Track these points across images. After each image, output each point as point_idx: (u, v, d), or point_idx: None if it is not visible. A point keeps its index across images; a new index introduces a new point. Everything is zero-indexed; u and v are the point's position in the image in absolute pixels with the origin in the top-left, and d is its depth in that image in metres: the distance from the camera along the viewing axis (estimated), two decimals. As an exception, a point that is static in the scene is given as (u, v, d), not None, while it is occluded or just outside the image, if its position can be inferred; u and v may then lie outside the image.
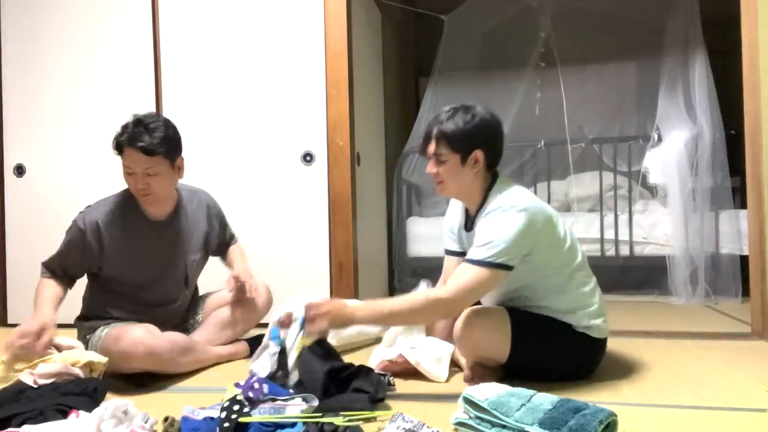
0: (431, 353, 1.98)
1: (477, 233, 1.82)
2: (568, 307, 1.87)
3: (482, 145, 1.85)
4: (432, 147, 1.87)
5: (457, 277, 1.75)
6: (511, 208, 1.78)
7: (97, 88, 3.13)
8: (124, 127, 2.01)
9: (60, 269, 2.07)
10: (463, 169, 1.86)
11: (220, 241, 2.39)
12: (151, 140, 1.97)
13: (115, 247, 2.07)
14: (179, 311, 2.28)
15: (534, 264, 1.82)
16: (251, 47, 3.03)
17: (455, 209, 2.09)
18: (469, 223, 1.97)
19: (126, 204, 2.11)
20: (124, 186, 2.12)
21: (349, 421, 1.41)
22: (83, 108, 3.14)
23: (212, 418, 1.43)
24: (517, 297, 1.91)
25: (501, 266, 1.74)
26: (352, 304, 1.80)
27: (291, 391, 1.62)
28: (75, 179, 3.13)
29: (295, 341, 1.78)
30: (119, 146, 2.00)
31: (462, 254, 1.95)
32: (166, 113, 3.08)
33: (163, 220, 2.15)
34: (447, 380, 1.94)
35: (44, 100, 3.18)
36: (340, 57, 2.95)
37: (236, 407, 1.42)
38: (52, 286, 2.02)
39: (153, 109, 3.05)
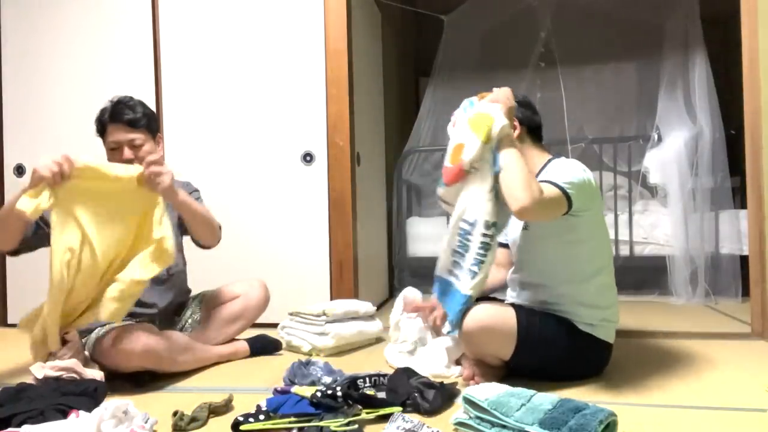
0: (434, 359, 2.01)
1: (547, 175, 1.85)
2: (587, 300, 1.87)
3: (516, 115, 1.91)
4: None
5: (537, 187, 1.70)
6: (574, 162, 1.90)
7: (97, 88, 3.13)
8: (103, 110, 2.11)
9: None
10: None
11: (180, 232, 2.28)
12: (134, 114, 2.09)
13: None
14: (170, 313, 2.26)
15: (578, 231, 1.85)
16: (251, 47, 3.03)
17: None
18: None
19: None
20: None
21: (347, 424, 1.41)
22: (83, 108, 3.13)
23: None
24: (538, 276, 1.93)
25: (567, 196, 1.75)
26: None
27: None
28: (75, 179, 3.12)
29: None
30: (102, 126, 2.10)
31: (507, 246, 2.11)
32: (166, 113, 3.09)
33: None
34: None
35: (44, 100, 3.18)
36: (340, 57, 2.95)
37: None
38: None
39: (153, 109, 3.04)
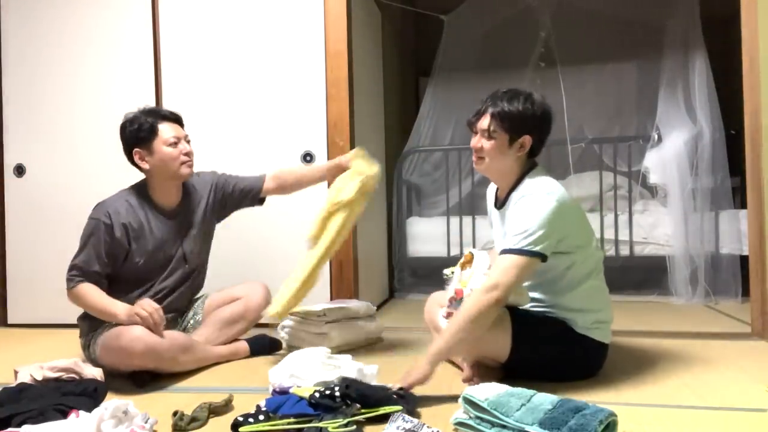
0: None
1: (510, 220, 1.86)
2: (578, 306, 1.87)
3: (532, 132, 1.89)
4: (485, 122, 1.89)
5: (499, 271, 1.75)
6: (541, 193, 1.81)
7: (98, 88, 3.13)
8: (138, 119, 2.16)
9: (93, 274, 2.08)
10: (507, 151, 1.89)
11: (241, 195, 2.41)
12: (176, 114, 2.25)
13: (139, 236, 2.14)
14: (182, 299, 2.30)
15: (564, 255, 1.84)
16: (251, 47, 3.03)
17: (490, 194, 2.12)
18: (498, 203, 2.00)
19: (139, 196, 2.21)
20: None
21: (346, 425, 1.41)
22: (83, 108, 3.14)
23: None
24: (530, 288, 1.92)
25: (537, 254, 1.76)
26: (421, 361, 1.77)
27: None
28: (75, 179, 3.13)
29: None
30: (151, 127, 2.15)
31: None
32: (166, 113, 3.09)
33: (173, 207, 2.25)
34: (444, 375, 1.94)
35: (44, 100, 3.18)
36: (340, 57, 2.95)
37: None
38: (97, 290, 2.07)
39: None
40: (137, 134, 2.15)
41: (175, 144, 2.16)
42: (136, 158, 2.17)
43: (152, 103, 3.05)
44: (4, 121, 3.23)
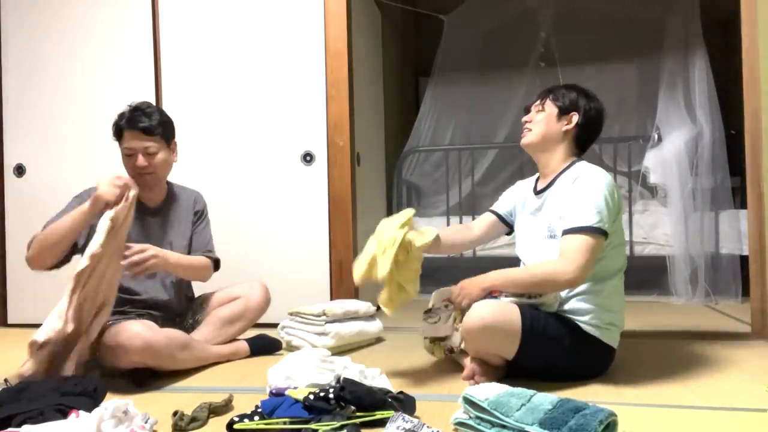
0: None
1: (565, 200, 1.88)
2: (597, 300, 1.87)
3: (581, 113, 1.97)
4: (538, 101, 2.02)
5: (571, 251, 1.77)
6: (599, 174, 1.88)
7: (98, 88, 3.13)
8: (121, 114, 2.16)
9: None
10: (556, 122, 1.97)
11: (189, 241, 2.34)
12: (150, 122, 2.14)
13: None
14: (171, 305, 2.28)
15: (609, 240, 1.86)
16: (251, 47, 3.03)
17: (521, 191, 2.16)
18: (538, 190, 2.04)
19: None
20: None
21: (341, 428, 1.41)
22: (83, 108, 3.15)
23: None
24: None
25: (603, 232, 1.79)
26: (481, 276, 1.91)
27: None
28: (75, 179, 3.11)
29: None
30: (119, 130, 2.14)
31: (503, 220, 2.16)
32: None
33: (156, 206, 2.26)
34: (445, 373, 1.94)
35: (44, 100, 3.18)
36: (340, 57, 2.95)
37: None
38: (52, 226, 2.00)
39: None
40: (113, 131, 2.18)
41: (129, 156, 2.14)
42: None
43: (151, 102, 3.06)
44: (4, 121, 3.23)
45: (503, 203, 2.21)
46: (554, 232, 1.90)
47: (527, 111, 2.07)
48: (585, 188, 1.85)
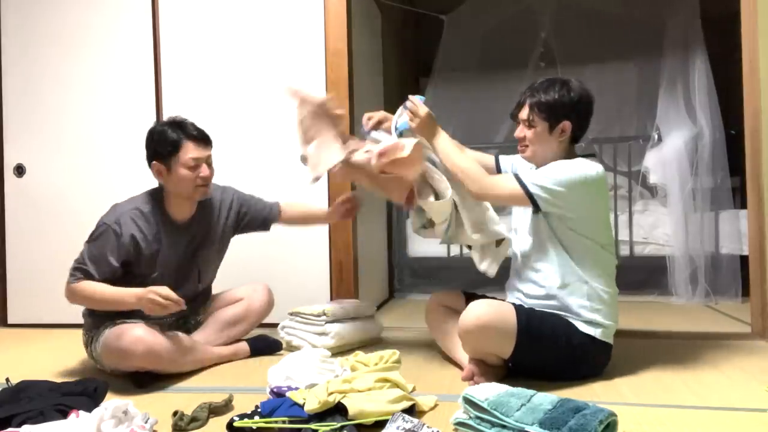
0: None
1: (539, 170, 1.93)
2: (588, 298, 1.88)
3: (571, 117, 1.95)
4: (525, 113, 1.98)
5: (500, 180, 1.95)
6: (580, 162, 1.91)
7: (98, 88, 3.13)
8: (160, 131, 2.11)
9: (99, 274, 2.04)
10: (549, 137, 1.96)
11: (257, 219, 2.42)
12: (205, 132, 2.16)
13: (149, 248, 2.10)
14: (190, 307, 2.27)
15: (584, 238, 1.89)
16: (251, 47, 3.03)
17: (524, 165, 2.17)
18: None
19: (153, 206, 2.15)
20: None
21: (340, 429, 1.41)
22: (83, 108, 3.14)
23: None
24: (546, 265, 1.93)
25: (534, 198, 1.85)
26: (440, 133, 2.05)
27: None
28: (75, 179, 3.13)
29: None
30: (175, 144, 2.08)
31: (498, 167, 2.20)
32: (166, 113, 3.08)
33: (186, 221, 2.21)
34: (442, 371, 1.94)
35: (44, 100, 3.18)
36: (340, 57, 2.95)
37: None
38: (101, 284, 2.03)
39: (153, 110, 3.05)
40: (159, 147, 2.09)
41: (194, 167, 2.10)
42: (153, 170, 2.13)
43: (152, 102, 3.06)
44: (4, 121, 3.23)
45: (507, 161, 2.23)
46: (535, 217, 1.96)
47: (514, 119, 2.05)
48: (555, 167, 1.89)
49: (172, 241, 2.15)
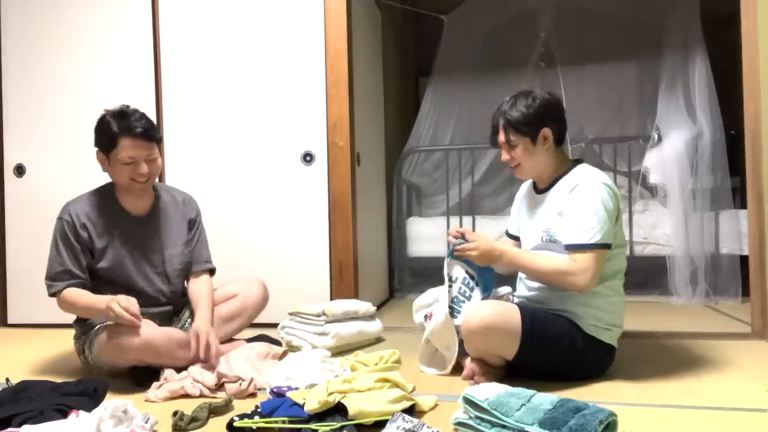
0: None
1: (565, 207, 1.89)
2: (595, 302, 1.88)
3: (548, 123, 1.94)
4: (501, 136, 1.98)
5: (581, 260, 1.82)
6: (597, 182, 1.88)
7: (97, 88, 3.13)
8: (108, 122, 2.05)
9: (72, 274, 2.06)
10: (535, 149, 1.95)
11: (185, 250, 2.26)
12: (149, 126, 2.05)
13: (102, 240, 2.11)
14: (169, 314, 2.26)
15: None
16: (251, 47, 3.03)
17: (521, 193, 2.18)
18: (539, 189, 2.05)
19: (106, 199, 2.16)
20: None
21: (340, 429, 1.41)
22: (83, 108, 3.14)
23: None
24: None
25: (606, 246, 1.84)
26: (500, 245, 1.98)
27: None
28: (75, 179, 3.11)
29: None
30: (112, 139, 2.03)
31: (518, 238, 2.14)
32: (166, 113, 3.09)
33: (143, 215, 2.20)
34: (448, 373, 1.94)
35: (44, 100, 3.18)
36: (340, 57, 2.95)
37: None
38: (81, 291, 2.05)
39: (153, 110, 3.05)
40: (100, 138, 2.08)
41: (130, 164, 2.04)
42: (97, 158, 2.12)
43: (152, 103, 3.06)
44: (4, 121, 3.23)
45: (512, 220, 2.22)
46: (554, 237, 1.92)
47: (493, 144, 2.04)
48: (584, 200, 1.85)
49: (126, 234, 2.14)
